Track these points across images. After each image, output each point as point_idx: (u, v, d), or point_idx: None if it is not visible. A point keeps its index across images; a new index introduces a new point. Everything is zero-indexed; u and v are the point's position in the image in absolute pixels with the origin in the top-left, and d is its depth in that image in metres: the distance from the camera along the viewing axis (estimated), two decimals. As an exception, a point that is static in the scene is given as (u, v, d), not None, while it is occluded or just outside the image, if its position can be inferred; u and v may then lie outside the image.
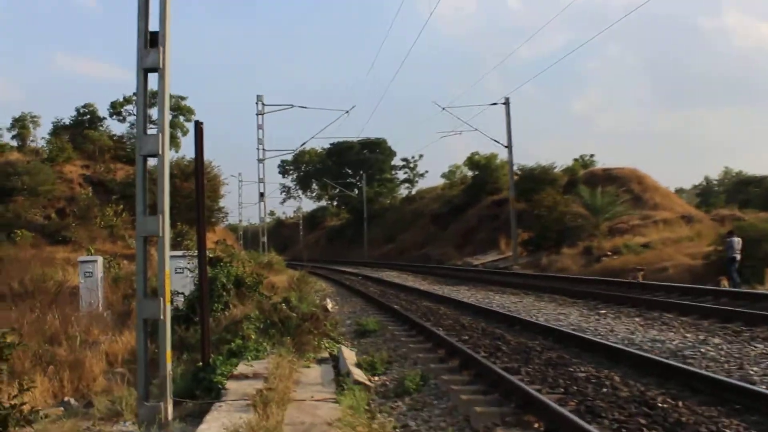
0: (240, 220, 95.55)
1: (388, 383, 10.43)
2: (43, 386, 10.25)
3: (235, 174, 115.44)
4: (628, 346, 11.68)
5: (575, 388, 9.08)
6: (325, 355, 12.45)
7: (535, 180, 49.63)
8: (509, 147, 43.84)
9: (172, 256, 17.11)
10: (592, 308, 18.39)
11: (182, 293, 15.56)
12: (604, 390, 8.90)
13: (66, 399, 10.24)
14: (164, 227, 7.67)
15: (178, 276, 16.39)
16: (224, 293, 15.54)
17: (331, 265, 60.56)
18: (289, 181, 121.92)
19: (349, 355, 11.77)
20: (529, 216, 44.54)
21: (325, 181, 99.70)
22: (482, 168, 63.78)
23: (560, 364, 10.71)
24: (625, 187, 46.54)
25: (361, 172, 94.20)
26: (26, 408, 6.89)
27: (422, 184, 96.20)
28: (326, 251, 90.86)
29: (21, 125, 52.27)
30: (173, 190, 8.28)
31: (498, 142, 44.77)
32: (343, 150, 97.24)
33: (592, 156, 63.91)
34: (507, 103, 43.70)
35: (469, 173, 70.28)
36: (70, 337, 13.57)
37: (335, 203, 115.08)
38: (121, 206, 40.27)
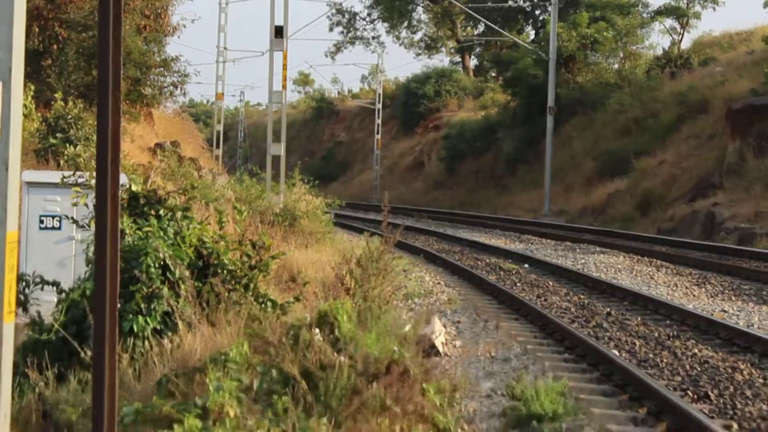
0: (219, 95, 61.14)
1: None
2: None
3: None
4: None
5: None
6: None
7: None
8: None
9: (30, 184, 14.98)
10: None
11: (55, 285, 11.47)
12: None
13: None
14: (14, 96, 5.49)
15: (46, 236, 14.10)
16: (161, 290, 10.93)
17: (452, 224, 42.53)
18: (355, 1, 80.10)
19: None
20: None
21: (451, 2, 63.30)
22: None
23: None
24: None
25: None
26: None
27: (711, 22, 73.99)
28: (439, 187, 62.75)
29: None
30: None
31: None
32: None
33: None
34: None
35: None
36: None
37: (473, 62, 75.19)
38: None
